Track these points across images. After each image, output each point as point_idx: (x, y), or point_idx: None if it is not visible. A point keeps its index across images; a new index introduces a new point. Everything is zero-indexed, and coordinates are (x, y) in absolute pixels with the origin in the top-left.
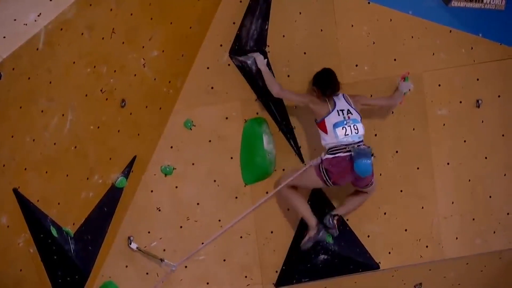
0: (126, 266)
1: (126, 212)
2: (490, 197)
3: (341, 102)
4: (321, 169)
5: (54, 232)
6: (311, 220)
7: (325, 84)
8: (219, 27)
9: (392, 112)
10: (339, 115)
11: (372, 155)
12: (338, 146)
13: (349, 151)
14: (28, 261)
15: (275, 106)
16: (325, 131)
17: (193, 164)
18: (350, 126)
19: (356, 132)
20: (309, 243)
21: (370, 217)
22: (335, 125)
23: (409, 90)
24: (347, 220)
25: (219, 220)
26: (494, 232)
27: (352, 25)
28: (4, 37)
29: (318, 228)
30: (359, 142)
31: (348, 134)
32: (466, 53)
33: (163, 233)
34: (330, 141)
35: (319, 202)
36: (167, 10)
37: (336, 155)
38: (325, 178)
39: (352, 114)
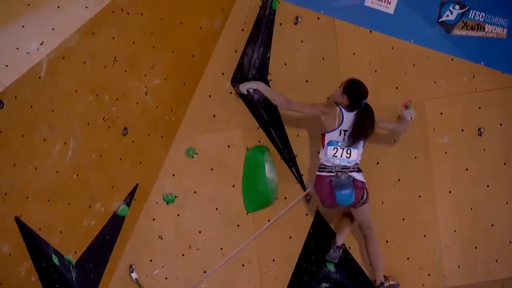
0: None
1: (128, 240)
2: (492, 225)
3: (349, 121)
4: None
5: (56, 260)
6: (337, 238)
7: (359, 96)
8: (221, 56)
9: (394, 140)
10: (339, 135)
11: (354, 182)
12: (325, 165)
13: (331, 172)
14: None
15: (277, 134)
16: (323, 145)
17: (195, 192)
18: (343, 148)
19: (348, 156)
20: (329, 258)
21: None
22: (329, 143)
23: (411, 118)
24: (349, 248)
25: (221, 248)
26: (496, 261)
27: (354, 53)
28: (7, 65)
29: (333, 247)
30: (345, 166)
31: (336, 156)
32: (468, 81)
33: (165, 261)
34: (322, 156)
35: (320, 227)
36: (169, 39)
37: (321, 173)
38: (320, 200)
39: None
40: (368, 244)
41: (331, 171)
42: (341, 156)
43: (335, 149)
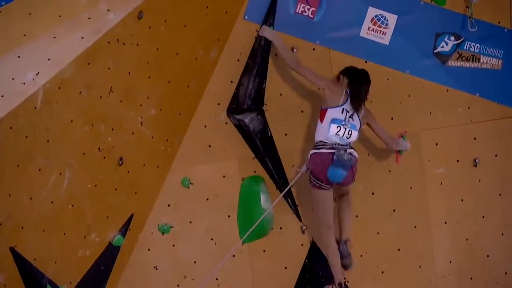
0: None
1: (123, 270)
2: (487, 256)
3: (351, 105)
4: (309, 176)
5: None
6: (336, 275)
7: (358, 75)
8: (216, 86)
9: (390, 171)
10: (342, 113)
11: (351, 167)
12: (324, 142)
13: (333, 148)
14: None
15: (272, 165)
16: (322, 120)
17: (190, 222)
18: (346, 128)
19: (348, 137)
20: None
21: (368, 276)
22: (333, 121)
23: (406, 150)
24: (345, 279)
25: (216, 279)
26: None
27: None
28: (2, 96)
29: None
30: (344, 145)
31: (338, 135)
32: (463, 112)
33: None
34: (320, 133)
35: (316, 258)
36: (165, 69)
37: (321, 150)
38: (317, 183)
39: (353, 119)
40: (342, 203)
41: (332, 148)
42: (342, 135)
43: (338, 127)
